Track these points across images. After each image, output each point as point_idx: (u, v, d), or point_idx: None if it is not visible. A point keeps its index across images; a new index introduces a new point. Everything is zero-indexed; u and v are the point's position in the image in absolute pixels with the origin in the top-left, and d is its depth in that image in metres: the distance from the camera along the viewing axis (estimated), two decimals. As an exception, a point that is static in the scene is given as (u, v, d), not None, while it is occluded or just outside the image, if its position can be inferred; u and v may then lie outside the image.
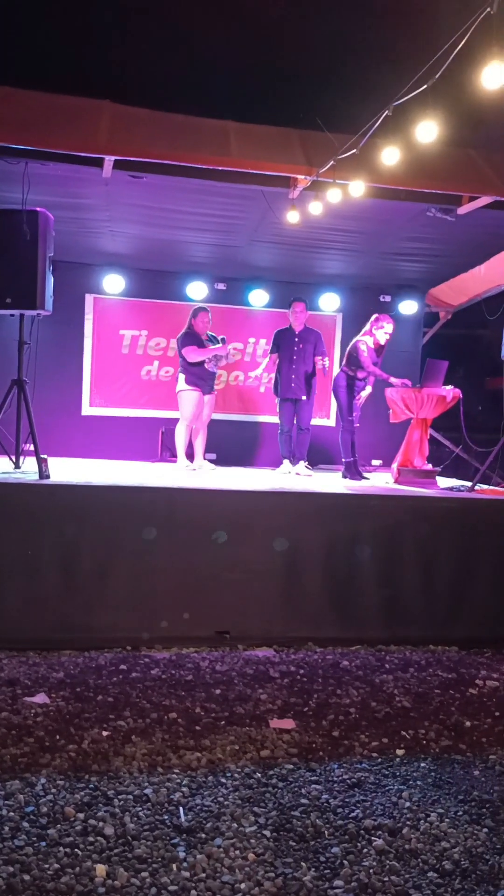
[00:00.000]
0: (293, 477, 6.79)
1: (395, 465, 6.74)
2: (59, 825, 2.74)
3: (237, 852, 2.64)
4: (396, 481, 6.54)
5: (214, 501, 5.06)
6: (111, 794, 2.98)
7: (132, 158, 5.30)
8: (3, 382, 5.63)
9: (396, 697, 4.17)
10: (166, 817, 2.84)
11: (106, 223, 6.97)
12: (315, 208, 5.77)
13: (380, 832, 2.81)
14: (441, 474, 6.92)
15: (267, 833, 2.77)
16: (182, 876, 2.49)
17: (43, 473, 5.22)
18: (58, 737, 3.46)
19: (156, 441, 7.96)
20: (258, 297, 8.43)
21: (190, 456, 7.04)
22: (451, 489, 6.22)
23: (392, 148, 4.53)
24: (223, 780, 3.14)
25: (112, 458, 7.70)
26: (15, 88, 5.28)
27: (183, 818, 2.83)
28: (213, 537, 4.88)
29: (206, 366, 6.80)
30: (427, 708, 4.06)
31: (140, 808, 2.89)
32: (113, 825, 2.75)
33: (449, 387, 6.60)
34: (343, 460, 6.88)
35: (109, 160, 5.30)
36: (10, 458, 5.71)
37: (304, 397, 7.05)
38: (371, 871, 2.57)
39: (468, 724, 3.88)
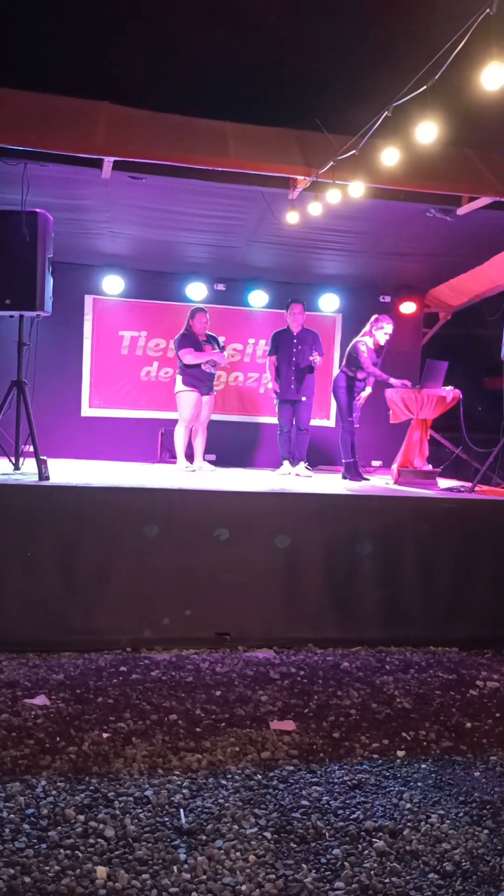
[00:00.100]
0: (293, 478, 6.79)
1: (395, 466, 6.73)
2: (59, 827, 2.74)
3: (238, 854, 2.63)
4: (396, 482, 6.54)
5: (214, 502, 5.06)
6: (112, 795, 2.98)
7: (131, 159, 5.30)
8: (3, 383, 5.63)
9: (397, 699, 4.17)
10: (167, 819, 2.83)
11: (105, 224, 6.97)
12: (314, 209, 5.77)
13: (380, 834, 2.81)
14: (441, 475, 6.92)
15: (268, 835, 2.76)
16: (183, 878, 2.48)
17: (42, 475, 5.21)
18: (58, 739, 3.46)
19: (155, 442, 7.95)
20: (257, 298, 8.42)
21: (189, 457, 7.04)
22: (451, 490, 6.22)
23: (391, 149, 4.54)
24: (224, 782, 3.14)
25: (112, 459, 7.69)
26: (14, 90, 5.29)
27: (184, 820, 2.83)
28: (216, 535, 4.88)
29: (202, 367, 6.81)
30: (428, 709, 4.05)
31: (141, 810, 2.88)
32: (113, 827, 2.75)
33: (449, 387, 6.60)
34: (343, 461, 6.88)
35: (108, 161, 5.30)
36: (10, 460, 5.70)
37: (303, 398, 7.06)
38: (372, 872, 2.57)
39: (469, 725, 3.87)
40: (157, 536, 4.85)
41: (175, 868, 2.54)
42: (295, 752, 3.45)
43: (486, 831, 2.86)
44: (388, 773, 3.31)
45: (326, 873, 2.56)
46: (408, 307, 8.80)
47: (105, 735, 3.51)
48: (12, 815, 2.79)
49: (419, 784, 3.22)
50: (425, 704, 4.11)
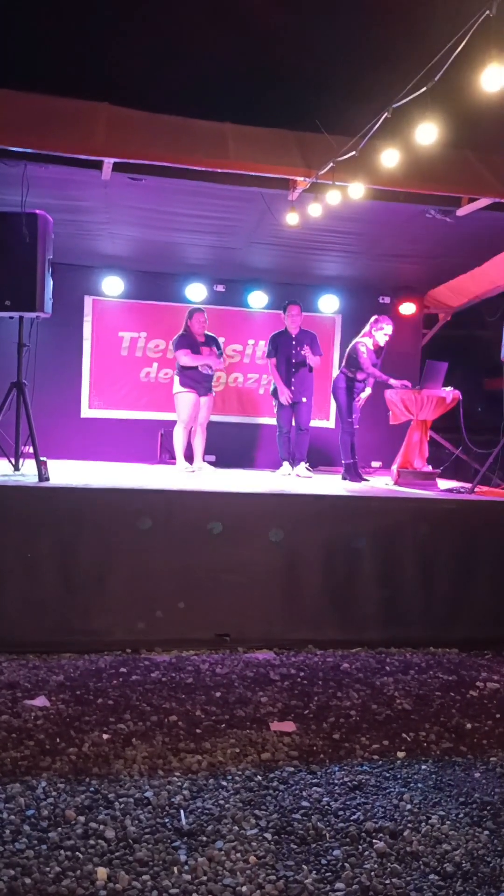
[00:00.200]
0: (293, 479, 6.79)
1: (394, 467, 6.73)
2: (59, 828, 2.74)
3: (238, 855, 2.63)
4: (396, 483, 6.54)
5: (214, 503, 5.06)
6: (112, 797, 2.98)
7: (131, 161, 5.31)
8: (3, 385, 5.63)
9: (397, 700, 4.17)
10: (167, 820, 2.83)
11: (105, 225, 6.97)
12: (314, 210, 5.78)
13: (381, 835, 2.81)
14: (441, 476, 6.92)
15: (268, 836, 2.76)
16: (183, 879, 2.48)
17: (42, 476, 5.21)
18: (58, 740, 3.46)
19: (155, 443, 7.96)
20: (257, 299, 8.43)
21: (189, 458, 7.05)
22: (451, 491, 6.22)
23: (391, 150, 4.55)
24: (224, 783, 3.14)
25: (111, 460, 7.69)
26: (14, 91, 5.29)
27: (184, 821, 2.83)
28: (209, 527, 4.88)
29: (199, 368, 6.82)
30: (428, 710, 4.05)
31: (141, 811, 2.88)
32: (114, 828, 2.75)
33: (448, 388, 6.60)
34: (343, 462, 6.88)
35: (108, 162, 5.31)
36: (10, 461, 5.70)
37: (304, 399, 7.08)
38: (372, 873, 2.57)
39: (469, 726, 3.87)
40: (157, 537, 4.85)
41: (175, 869, 2.53)
42: (295, 754, 3.45)
43: (486, 832, 2.86)
44: (388, 774, 3.31)
45: (327, 874, 2.56)
46: (407, 308, 8.81)
47: (105, 736, 3.51)
48: (12, 817, 2.79)
49: (419, 785, 3.22)
50: (425, 705, 4.11)
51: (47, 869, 2.49)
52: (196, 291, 8.27)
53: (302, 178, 5.58)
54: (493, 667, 4.84)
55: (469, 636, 5.19)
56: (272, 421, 7.56)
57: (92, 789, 3.03)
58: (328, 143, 5.27)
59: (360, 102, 4.90)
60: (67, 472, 5.88)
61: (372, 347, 6.83)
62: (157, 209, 6.50)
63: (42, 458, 5.26)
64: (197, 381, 6.86)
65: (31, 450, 5.40)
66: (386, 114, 4.31)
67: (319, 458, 7.85)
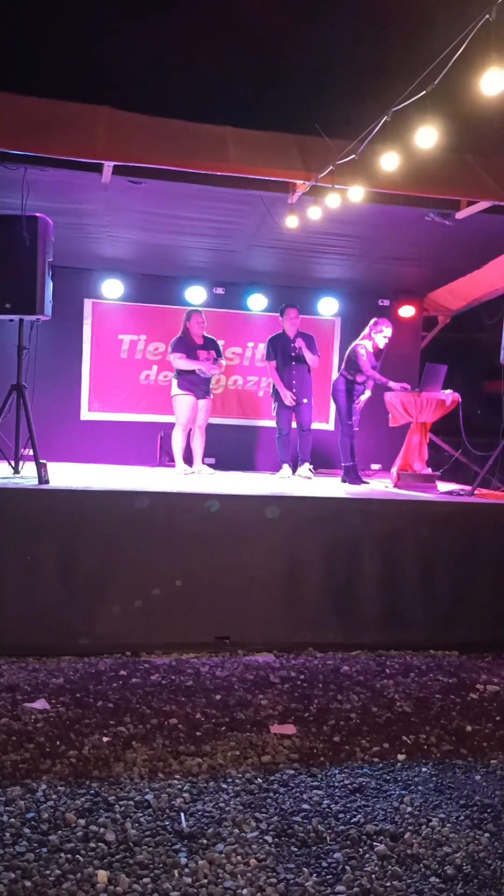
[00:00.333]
0: (294, 481, 6.80)
1: (394, 470, 6.73)
2: (60, 831, 2.74)
3: (239, 858, 2.63)
4: (396, 485, 6.54)
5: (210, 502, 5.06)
6: (112, 799, 2.98)
7: (131, 164, 5.31)
8: (3, 387, 5.64)
9: (397, 702, 4.16)
10: (168, 823, 2.83)
11: (105, 228, 6.98)
12: (314, 213, 5.79)
13: (381, 837, 2.81)
14: (440, 478, 6.92)
15: (268, 838, 2.76)
16: (184, 882, 2.48)
17: (42, 478, 5.22)
18: (58, 743, 3.46)
19: (154, 446, 7.95)
20: (257, 302, 8.43)
21: (189, 460, 7.05)
22: (450, 493, 6.22)
23: (391, 153, 4.55)
24: (224, 786, 3.14)
25: (111, 462, 7.69)
26: (14, 94, 5.29)
27: (184, 824, 2.83)
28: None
29: (196, 371, 6.83)
30: (428, 713, 4.05)
31: (141, 814, 2.88)
32: (114, 831, 2.75)
33: (448, 391, 6.61)
34: (342, 465, 6.88)
35: (108, 166, 5.31)
36: (10, 464, 5.70)
37: (304, 400, 7.10)
38: (373, 876, 2.57)
39: (469, 728, 3.87)
40: (157, 539, 4.86)
41: (176, 872, 2.53)
42: (295, 756, 3.45)
43: (487, 835, 2.86)
44: (388, 777, 3.31)
45: (327, 877, 2.56)
46: (407, 311, 8.82)
47: (105, 739, 3.51)
48: (13, 820, 2.79)
49: (420, 788, 3.22)
50: (425, 708, 4.11)
51: (47, 872, 2.49)
52: (195, 294, 8.27)
53: (302, 182, 5.59)
54: (493, 669, 4.84)
55: (469, 639, 5.19)
56: (272, 423, 7.56)
57: (92, 792, 3.02)
58: (328, 146, 5.28)
59: (360, 106, 4.91)
60: (67, 475, 5.88)
61: (371, 350, 6.84)
62: (157, 212, 6.51)
63: (42, 461, 5.26)
64: (195, 383, 6.87)
65: (31, 452, 5.40)
66: (386, 117, 4.32)
67: (319, 461, 7.85)
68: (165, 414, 7.76)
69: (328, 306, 8.62)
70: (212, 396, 7.18)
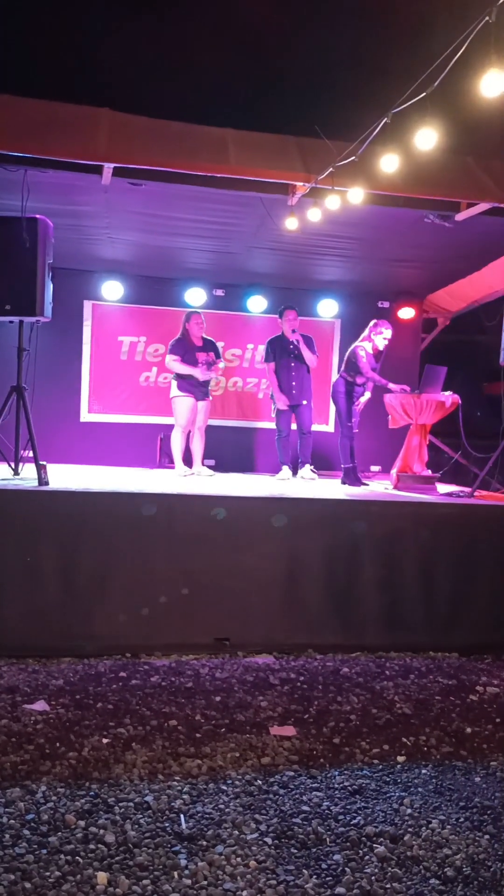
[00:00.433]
0: (294, 482, 6.80)
1: (394, 471, 6.73)
2: (59, 833, 2.74)
3: (239, 860, 2.63)
4: (396, 487, 6.54)
5: (214, 508, 5.05)
6: (112, 801, 2.97)
7: (131, 166, 5.31)
8: (3, 389, 5.64)
9: (397, 704, 4.16)
10: (167, 825, 2.83)
11: (105, 230, 6.98)
12: (314, 215, 5.79)
13: (381, 839, 2.81)
14: (440, 480, 6.92)
15: (268, 840, 2.76)
16: (184, 883, 2.48)
17: (42, 480, 5.21)
18: (58, 744, 3.45)
19: (154, 447, 7.95)
20: (256, 304, 8.44)
21: (188, 462, 7.05)
22: (450, 495, 6.22)
23: (391, 155, 4.56)
24: (224, 788, 3.14)
25: (111, 464, 7.69)
26: (14, 96, 5.30)
27: (184, 825, 2.83)
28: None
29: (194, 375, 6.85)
30: (428, 714, 4.05)
31: (141, 816, 2.88)
32: (114, 833, 2.74)
33: (448, 392, 6.61)
34: (342, 466, 6.89)
35: (108, 167, 5.31)
36: (10, 465, 5.70)
37: (304, 402, 7.11)
38: (373, 878, 2.56)
39: (469, 730, 3.87)
40: (156, 541, 4.85)
41: (176, 874, 2.53)
42: (295, 758, 3.45)
43: (486, 836, 2.86)
44: (388, 779, 3.31)
45: (327, 879, 2.55)
46: (406, 313, 8.82)
47: (105, 741, 3.51)
48: (12, 821, 2.79)
49: (420, 789, 3.22)
50: (425, 710, 4.11)
51: (47, 873, 2.49)
52: (195, 296, 8.28)
53: (301, 183, 5.59)
54: (492, 671, 4.84)
55: (469, 640, 5.19)
56: (271, 425, 7.56)
57: (92, 794, 3.02)
58: (328, 148, 5.28)
59: (360, 108, 4.91)
60: (67, 477, 5.88)
61: (371, 352, 6.85)
62: (157, 214, 6.51)
63: (42, 463, 5.26)
64: (194, 385, 6.88)
65: (31, 454, 5.40)
66: (386, 119, 4.33)
67: (319, 463, 7.85)
68: (165, 416, 7.76)
69: (328, 308, 8.63)
70: (211, 398, 7.18)
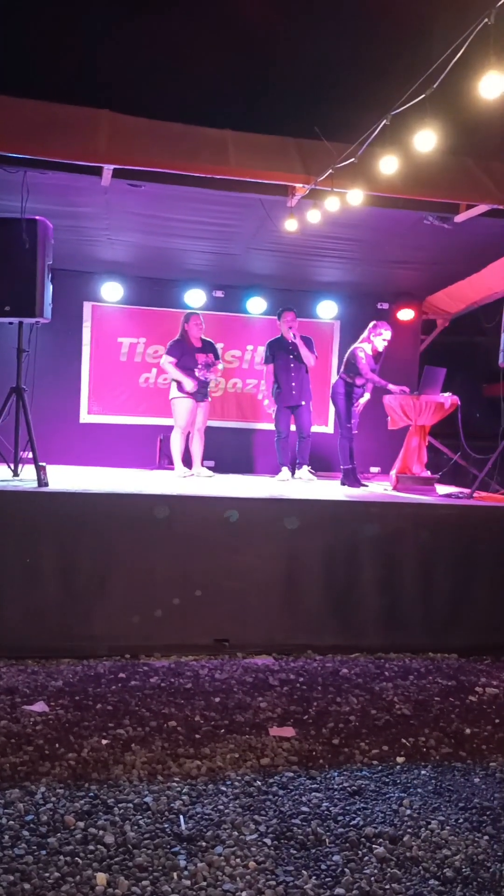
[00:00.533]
0: (293, 483, 6.81)
1: (393, 473, 6.74)
2: (59, 834, 2.74)
3: (238, 860, 2.63)
4: (395, 488, 6.54)
5: (213, 509, 5.06)
6: (111, 802, 2.97)
7: (131, 167, 5.32)
8: (2, 390, 5.64)
9: (396, 705, 4.16)
10: (167, 825, 2.83)
11: (105, 231, 6.99)
12: (313, 216, 5.80)
13: (381, 840, 2.81)
14: (439, 481, 6.93)
15: (268, 841, 2.76)
16: (183, 884, 2.48)
17: (41, 481, 5.21)
18: (57, 745, 3.45)
19: (154, 448, 7.96)
20: (256, 305, 8.45)
21: (188, 463, 7.06)
22: (449, 496, 6.23)
23: (390, 157, 4.56)
24: (223, 789, 3.14)
25: (110, 465, 7.69)
26: (14, 98, 5.31)
27: (183, 826, 2.83)
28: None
29: (196, 374, 6.84)
30: (427, 715, 4.05)
31: (140, 817, 2.88)
32: (113, 833, 2.74)
33: (447, 394, 6.62)
34: (341, 467, 6.89)
35: (108, 169, 5.32)
36: (9, 466, 5.70)
37: (303, 402, 7.12)
38: (372, 878, 2.56)
39: (468, 731, 3.87)
40: (156, 542, 4.85)
41: (175, 874, 2.53)
42: (294, 759, 3.45)
43: (486, 837, 2.86)
44: (387, 780, 3.31)
45: (327, 879, 2.55)
46: (406, 314, 8.83)
47: (104, 742, 3.51)
48: (12, 822, 2.79)
49: (419, 790, 3.22)
50: (424, 711, 4.11)
51: (46, 874, 2.49)
52: (195, 297, 8.29)
53: (301, 185, 5.60)
54: (492, 672, 4.84)
55: (468, 641, 5.19)
56: (271, 426, 7.57)
57: (91, 794, 3.02)
58: (327, 149, 5.29)
59: (359, 109, 4.92)
60: (66, 478, 5.88)
61: (371, 353, 6.86)
62: (156, 215, 6.52)
63: (41, 464, 5.26)
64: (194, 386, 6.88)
65: (31, 455, 5.40)
66: (385, 121, 4.34)
67: (318, 464, 7.86)
68: (165, 417, 7.76)
69: (327, 309, 8.64)
70: (210, 399, 7.19)
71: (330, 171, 5.12)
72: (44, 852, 2.61)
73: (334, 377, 7.40)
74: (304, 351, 7.05)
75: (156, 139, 5.40)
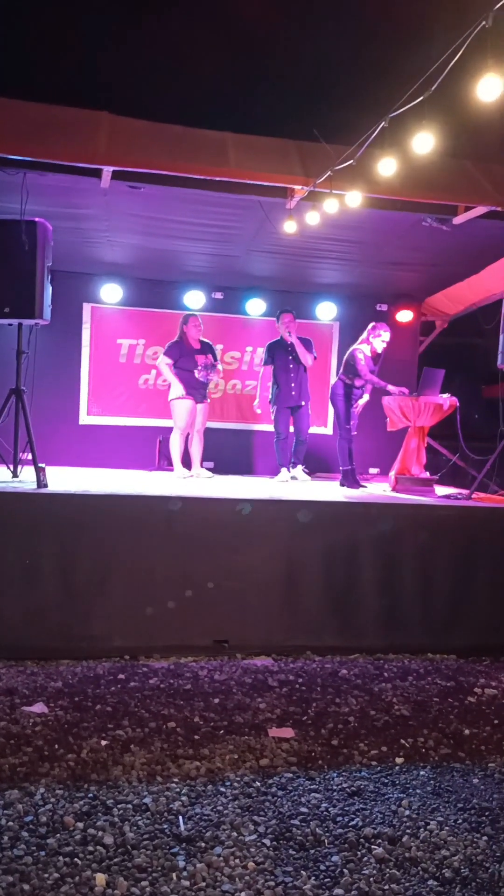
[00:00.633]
0: (292, 484, 6.82)
1: (392, 474, 6.75)
2: (58, 834, 2.74)
3: (237, 861, 2.63)
4: (394, 489, 6.55)
5: (213, 510, 5.07)
6: (110, 803, 2.98)
7: (131, 169, 5.34)
8: (2, 391, 5.65)
9: (395, 706, 4.17)
10: (166, 826, 2.83)
11: (104, 233, 7.00)
12: (312, 218, 5.81)
13: (379, 840, 2.81)
14: (438, 482, 6.93)
15: (267, 842, 2.76)
16: (182, 885, 2.48)
17: (41, 482, 5.22)
18: (56, 746, 3.46)
19: (153, 450, 7.96)
20: (255, 307, 8.46)
21: (187, 464, 7.06)
22: (448, 497, 6.23)
23: (389, 159, 4.58)
24: (222, 789, 3.14)
25: (110, 466, 7.70)
26: (14, 100, 5.32)
27: (182, 827, 2.83)
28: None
29: (196, 375, 6.85)
30: (426, 716, 4.06)
31: (139, 818, 2.88)
32: (112, 834, 2.75)
33: (446, 395, 6.63)
34: (341, 468, 6.90)
35: (108, 171, 5.33)
36: (8, 467, 5.71)
37: (303, 403, 7.15)
38: (371, 879, 2.57)
39: (467, 732, 3.88)
40: (155, 543, 4.86)
41: (174, 875, 2.54)
42: (293, 760, 3.45)
43: (484, 838, 2.86)
44: (386, 780, 3.31)
45: (325, 880, 2.56)
46: (404, 315, 8.84)
47: (103, 742, 3.51)
48: (11, 823, 2.79)
49: (418, 791, 3.23)
50: (423, 711, 4.12)
51: (46, 875, 2.49)
52: (194, 299, 8.30)
53: (300, 187, 5.61)
54: (490, 673, 4.84)
55: (467, 642, 5.19)
56: (270, 427, 7.58)
57: (90, 795, 3.03)
58: (326, 151, 5.30)
59: (358, 112, 4.93)
60: (66, 479, 5.89)
61: (370, 354, 6.86)
62: (156, 217, 6.53)
63: (41, 465, 5.27)
64: (193, 387, 6.89)
65: (30, 456, 5.41)
66: (384, 123, 4.35)
67: (317, 465, 7.87)
68: (164, 418, 7.77)
69: (326, 311, 8.65)
70: (209, 400, 7.20)
71: (329, 172, 5.13)
72: (43, 853, 2.62)
73: (333, 378, 7.41)
74: (300, 350, 7.08)
75: (155, 141, 5.42)
